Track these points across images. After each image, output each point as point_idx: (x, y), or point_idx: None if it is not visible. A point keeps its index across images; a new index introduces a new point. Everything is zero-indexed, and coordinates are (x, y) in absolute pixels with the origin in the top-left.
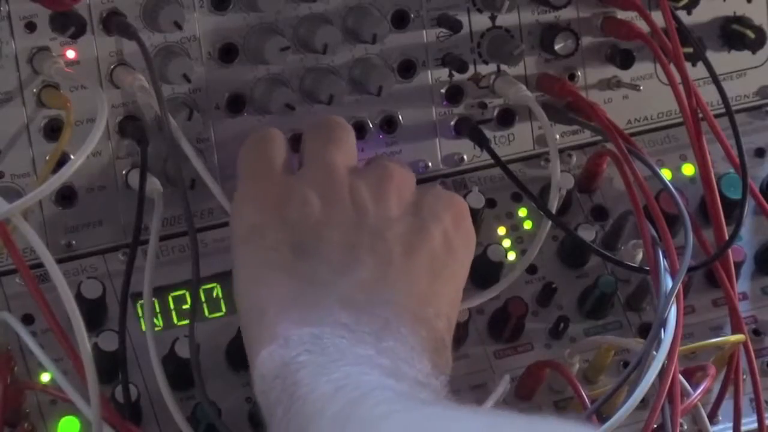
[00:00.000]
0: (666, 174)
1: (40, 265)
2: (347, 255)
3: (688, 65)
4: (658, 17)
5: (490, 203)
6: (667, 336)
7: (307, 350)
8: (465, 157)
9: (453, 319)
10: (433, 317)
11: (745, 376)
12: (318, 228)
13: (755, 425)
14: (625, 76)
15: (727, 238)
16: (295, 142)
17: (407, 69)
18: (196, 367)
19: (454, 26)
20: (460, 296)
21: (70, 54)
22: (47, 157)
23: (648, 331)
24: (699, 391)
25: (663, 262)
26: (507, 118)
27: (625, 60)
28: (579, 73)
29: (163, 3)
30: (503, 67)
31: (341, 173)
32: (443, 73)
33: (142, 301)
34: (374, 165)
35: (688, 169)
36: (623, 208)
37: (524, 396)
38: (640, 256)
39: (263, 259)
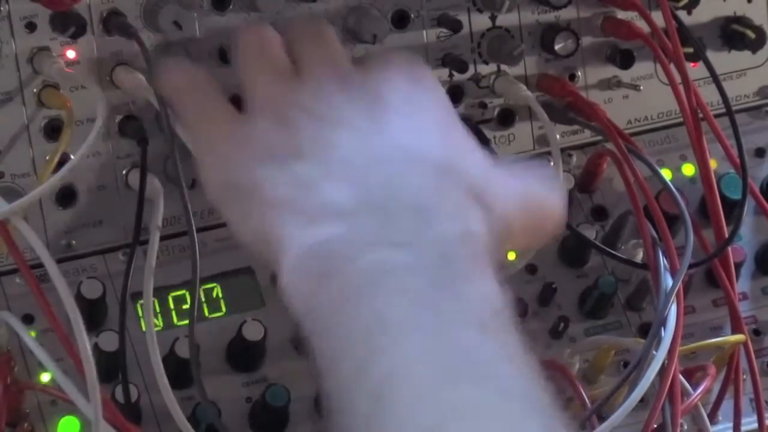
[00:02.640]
0: (666, 174)
1: (40, 265)
2: (317, 143)
3: (688, 65)
4: (658, 17)
5: None
6: (667, 335)
7: (322, 276)
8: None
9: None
10: (426, 156)
11: (745, 376)
12: (282, 131)
13: (755, 425)
14: (625, 76)
15: (727, 237)
16: None
17: None
18: (196, 367)
19: (454, 26)
20: (459, 139)
21: (70, 54)
22: (47, 157)
23: (648, 330)
24: (699, 391)
25: (663, 262)
26: (507, 118)
27: (625, 60)
28: (579, 73)
29: (163, 3)
30: (503, 67)
31: (290, 75)
32: (443, 73)
33: (142, 301)
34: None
35: (688, 169)
36: (623, 208)
37: None
38: (640, 255)
39: (242, 197)
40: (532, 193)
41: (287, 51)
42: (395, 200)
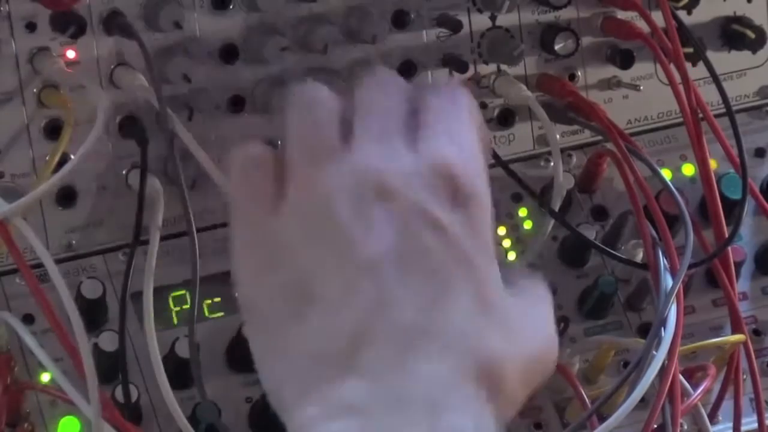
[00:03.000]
0: (666, 174)
1: (40, 265)
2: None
3: (688, 65)
4: (658, 17)
5: None
6: (667, 335)
7: None
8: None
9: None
10: (449, 344)
11: (745, 376)
12: (308, 279)
13: (755, 425)
14: (625, 76)
15: (727, 237)
16: None
17: (407, 69)
18: (196, 367)
19: (454, 26)
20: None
21: (70, 54)
22: (47, 157)
23: (648, 330)
24: (699, 391)
25: (663, 262)
26: (507, 118)
27: (625, 60)
28: (579, 73)
29: (163, 3)
30: (503, 67)
31: (331, 204)
32: (443, 73)
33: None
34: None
35: (688, 169)
36: (623, 208)
37: None
38: (640, 255)
39: (264, 338)
40: (534, 358)
41: (342, 119)
42: (409, 391)
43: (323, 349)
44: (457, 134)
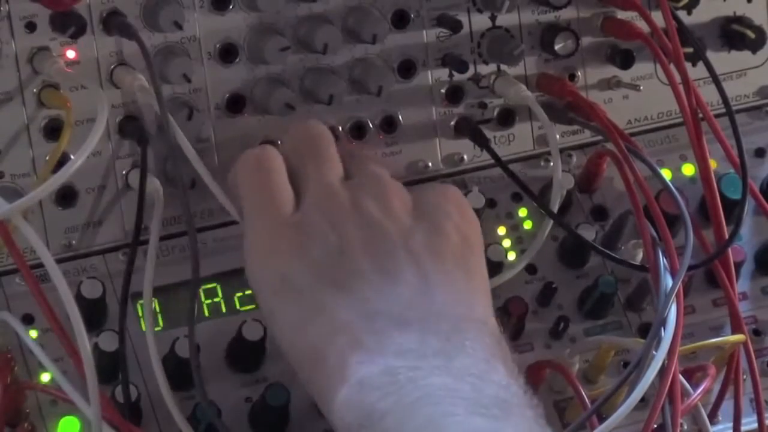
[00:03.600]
0: (666, 174)
1: (40, 265)
2: (383, 278)
3: (688, 65)
4: (658, 17)
5: (490, 203)
6: (667, 335)
7: (385, 393)
8: (465, 157)
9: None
10: (484, 317)
11: (745, 376)
12: (343, 259)
13: (755, 425)
14: (625, 76)
15: (727, 237)
16: None
17: (407, 69)
18: (196, 367)
19: (454, 26)
20: (488, 286)
21: (70, 54)
22: (47, 157)
23: (648, 331)
24: (699, 391)
25: (663, 262)
26: (507, 118)
27: (625, 60)
28: (579, 73)
29: (163, 3)
30: (503, 67)
31: (341, 193)
32: (443, 73)
33: (142, 301)
34: (363, 173)
35: (688, 169)
36: (623, 208)
37: None
38: (640, 255)
39: (302, 305)
40: None
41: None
42: (457, 351)
43: (376, 310)
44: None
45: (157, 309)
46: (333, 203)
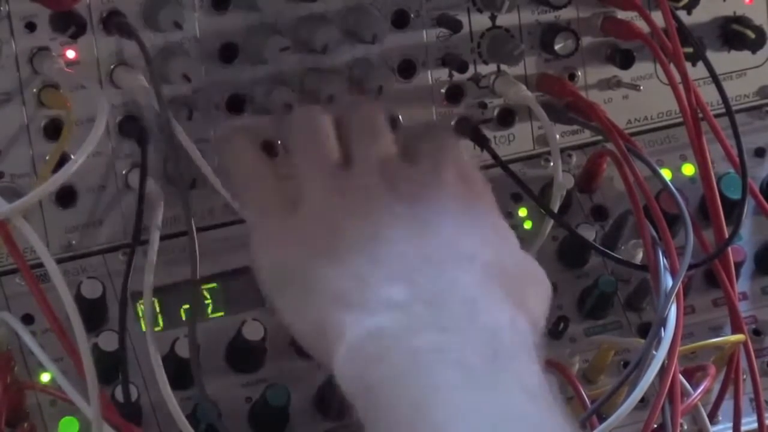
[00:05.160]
0: (666, 174)
1: (40, 265)
2: (373, 240)
3: (688, 65)
4: (658, 17)
5: None
6: (667, 335)
7: (373, 360)
8: (465, 157)
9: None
10: (472, 252)
11: (745, 376)
12: (334, 235)
13: (755, 425)
14: (625, 76)
15: (727, 237)
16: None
17: (407, 69)
18: (196, 367)
19: (454, 26)
20: (503, 238)
21: (70, 54)
22: (47, 157)
23: (648, 330)
24: (699, 391)
25: (663, 262)
26: (507, 118)
27: (625, 60)
28: (579, 73)
29: (163, 3)
30: (503, 67)
31: (335, 189)
32: (443, 73)
33: (142, 301)
34: (361, 156)
35: (688, 169)
36: (623, 208)
37: None
38: (640, 255)
39: (298, 287)
40: (546, 285)
41: (339, 136)
42: (446, 294)
43: (368, 272)
44: None
45: (157, 309)
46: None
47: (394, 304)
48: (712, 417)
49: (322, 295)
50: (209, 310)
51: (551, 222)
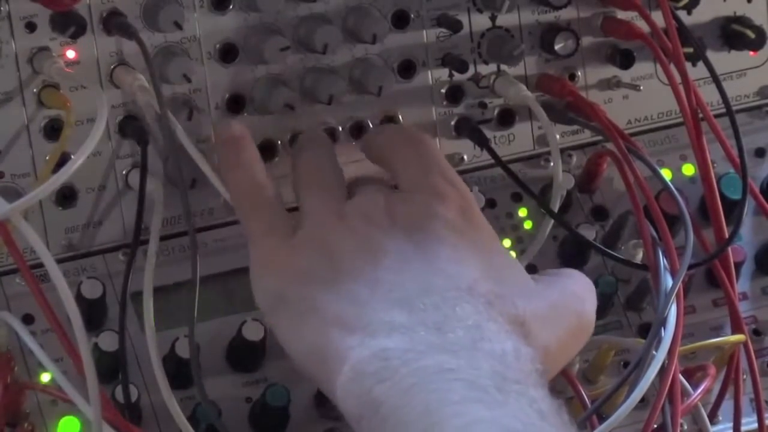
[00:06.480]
0: (666, 174)
1: (40, 265)
2: (370, 266)
3: (688, 65)
4: (658, 17)
5: (490, 203)
6: (667, 335)
7: (379, 379)
8: (465, 157)
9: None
10: (470, 283)
11: (745, 376)
12: (332, 262)
13: (755, 425)
14: (625, 76)
15: (727, 237)
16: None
17: (407, 69)
18: (196, 367)
19: (454, 26)
20: (491, 248)
21: (70, 54)
22: (47, 157)
23: (648, 330)
24: (699, 391)
25: (663, 262)
26: (507, 118)
27: (625, 60)
28: (579, 73)
29: (163, 3)
30: (503, 67)
31: (336, 223)
32: (443, 73)
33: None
34: (362, 191)
35: (688, 169)
36: (623, 208)
37: None
38: (640, 255)
39: (294, 312)
40: (567, 313)
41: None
42: (448, 320)
43: (366, 297)
44: None
45: (158, 309)
46: (327, 233)
47: (396, 326)
48: (712, 417)
49: (320, 319)
50: (209, 310)
51: (551, 222)
